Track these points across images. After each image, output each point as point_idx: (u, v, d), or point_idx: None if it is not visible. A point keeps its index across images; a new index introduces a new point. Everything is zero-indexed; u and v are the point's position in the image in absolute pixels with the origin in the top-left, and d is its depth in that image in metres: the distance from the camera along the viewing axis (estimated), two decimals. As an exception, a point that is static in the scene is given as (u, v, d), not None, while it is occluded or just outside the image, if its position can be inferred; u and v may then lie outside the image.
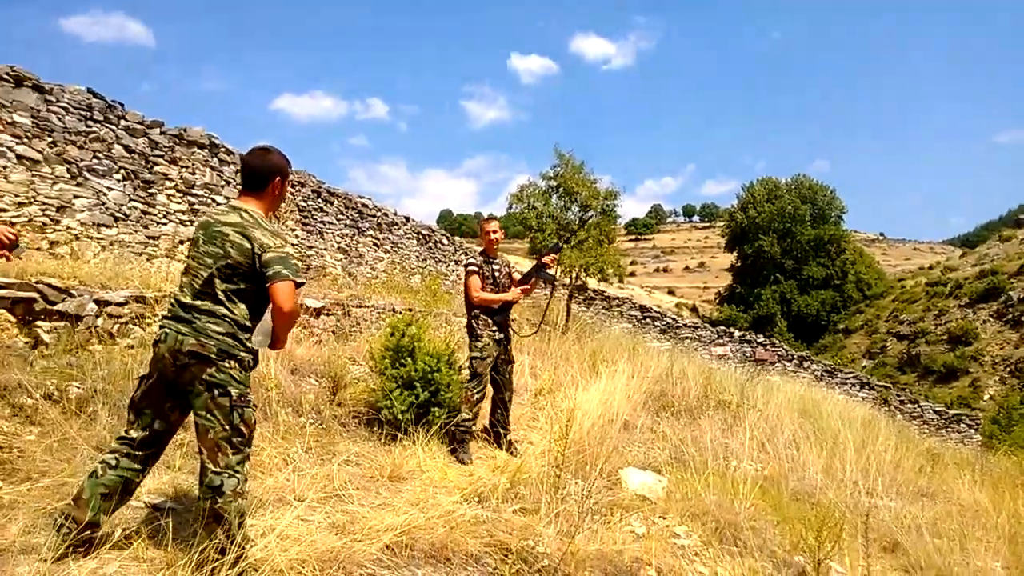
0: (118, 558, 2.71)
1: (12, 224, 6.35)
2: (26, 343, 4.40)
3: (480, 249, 5.79)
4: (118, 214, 7.34)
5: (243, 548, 2.73)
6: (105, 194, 7.22)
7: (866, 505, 5.91)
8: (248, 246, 2.71)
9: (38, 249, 6.45)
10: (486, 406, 5.72)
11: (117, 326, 4.96)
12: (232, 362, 2.70)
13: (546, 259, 5.66)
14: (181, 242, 8.11)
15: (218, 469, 2.67)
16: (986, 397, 36.24)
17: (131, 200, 7.53)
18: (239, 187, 8.94)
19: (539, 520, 3.97)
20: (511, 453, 5.44)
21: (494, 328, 5.45)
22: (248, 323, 2.77)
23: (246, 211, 2.82)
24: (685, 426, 7.44)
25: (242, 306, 2.75)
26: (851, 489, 6.47)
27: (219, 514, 2.65)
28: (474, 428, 5.49)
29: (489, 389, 5.58)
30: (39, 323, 4.49)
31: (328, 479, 4.10)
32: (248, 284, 2.74)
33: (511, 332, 5.77)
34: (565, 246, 6.35)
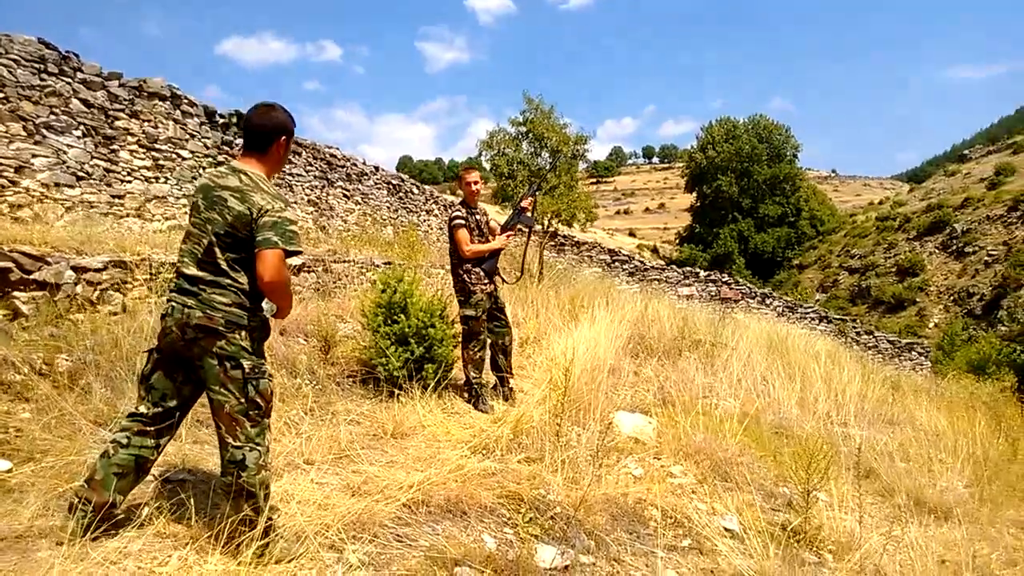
0: (141, 536, 2.67)
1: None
2: (4, 315, 4.24)
3: (461, 200, 5.71)
4: (80, 173, 7.00)
5: (270, 518, 2.70)
6: (65, 152, 6.86)
7: (840, 435, 6.16)
8: (247, 212, 2.59)
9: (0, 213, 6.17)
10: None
11: (97, 293, 4.81)
12: (242, 332, 2.62)
13: (524, 203, 5.67)
14: (148, 200, 7.82)
15: (239, 443, 2.61)
16: (931, 325, 37.69)
17: (93, 158, 7.18)
18: (204, 140, 8.75)
19: (545, 468, 4.04)
20: (510, 401, 5.51)
21: (486, 281, 5.43)
22: (254, 292, 2.67)
23: (246, 174, 2.69)
24: (666, 367, 7.58)
25: (246, 275, 2.64)
26: (825, 421, 6.71)
27: (244, 488, 2.61)
28: (486, 381, 5.54)
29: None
30: (16, 293, 4.33)
31: (333, 440, 4.09)
32: (250, 252, 2.62)
33: (500, 279, 5.75)
34: (539, 190, 6.31)
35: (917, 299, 40.96)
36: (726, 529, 3.87)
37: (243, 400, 2.61)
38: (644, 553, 3.42)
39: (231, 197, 2.62)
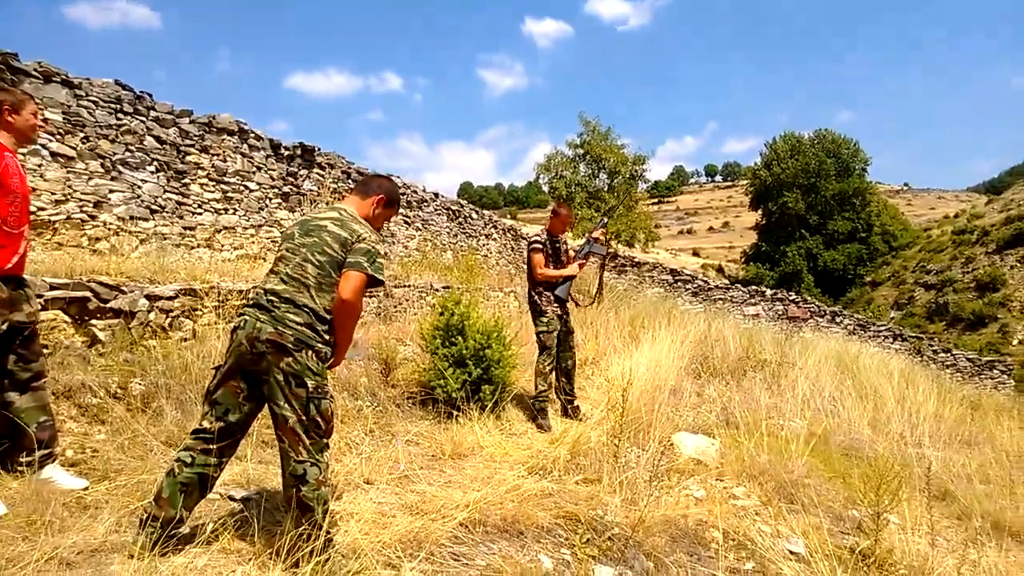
0: (207, 552, 2.75)
1: (51, 222, 6.42)
2: (83, 342, 4.45)
3: (543, 228, 6.15)
4: (153, 206, 7.36)
5: (329, 533, 2.76)
6: (139, 187, 7.23)
7: (914, 456, 5.91)
8: (345, 235, 2.79)
9: (79, 246, 6.52)
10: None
11: (169, 320, 5.01)
12: (309, 352, 2.69)
13: (596, 233, 6.11)
14: (217, 231, 8.15)
15: (301, 458, 2.68)
16: (1015, 342, 35.92)
17: (165, 191, 7.54)
18: (270, 172, 9.07)
19: (602, 489, 4.01)
20: (578, 418, 5.71)
21: (556, 303, 5.75)
22: (328, 315, 2.77)
23: (345, 210, 2.93)
24: (729, 388, 7.45)
25: (327, 296, 2.76)
26: (898, 441, 6.47)
27: (304, 503, 2.67)
28: (550, 396, 5.77)
29: None
30: (93, 321, 4.53)
31: (393, 460, 4.15)
32: (337, 275, 2.78)
33: (571, 304, 6.07)
34: (609, 219, 6.56)
35: (999, 315, 39.08)
36: (791, 552, 3.76)
37: (305, 418, 2.68)
38: (705, 576, 3.34)
39: (331, 224, 2.83)
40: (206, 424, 2.79)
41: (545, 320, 5.72)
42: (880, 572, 3.65)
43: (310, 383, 2.68)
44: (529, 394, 5.98)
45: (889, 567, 3.70)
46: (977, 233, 48.01)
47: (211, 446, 2.77)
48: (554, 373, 5.86)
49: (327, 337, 2.78)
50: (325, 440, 2.78)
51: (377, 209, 3.06)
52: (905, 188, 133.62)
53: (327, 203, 8.47)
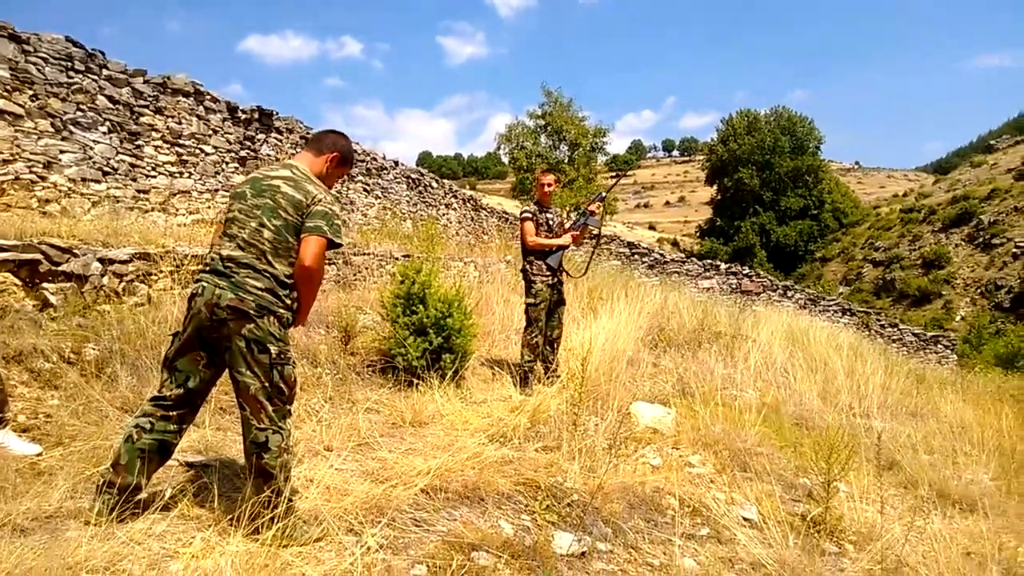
0: (165, 518, 2.72)
1: (-2, 184, 6.18)
2: (34, 306, 4.33)
3: (535, 199, 6.14)
4: (106, 168, 7.12)
5: (291, 501, 2.76)
6: (91, 148, 6.98)
7: (862, 427, 6.11)
8: (300, 197, 2.70)
9: (28, 208, 6.29)
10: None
11: (123, 285, 4.89)
12: (271, 318, 2.66)
13: (592, 207, 6.07)
14: (172, 195, 7.94)
15: (262, 426, 2.66)
16: (958, 318, 37.13)
17: (118, 153, 7.29)
18: (227, 136, 8.85)
19: (562, 457, 4.07)
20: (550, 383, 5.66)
21: (547, 273, 5.79)
22: (290, 280, 2.72)
23: (297, 168, 2.82)
24: (685, 359, 7.57)
25: (285, 261, 2.70)
26: (847, 412, 6.67)
27: (266, 470, 2.66)
28: (537, 365, 5.80)
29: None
30: (45, 285, 4.41)
31: (353, 428, 4.16)
32: (295, 238, 2.71)
33: (564, 275, 6.10)
34: (607, 195, 6.61)
35: (943, 292, 40.36)
36: (745, 519, 3.88)
37: (268, 384, 2.66)
38: (662, 541, 3.43)
39: (284, 184, 2.73)
40: (165, 392, 2.76)
41: (534, 291, 5.78)
42: (830, 538, 3.79)
43: (273, 349, 2.66)
44: (492, 361, 6.09)
45: (839, 534, 3.85)
46: (924, 212, 49.39)
47: (171, 412, 2.74)
48: (538, 340, 5.87)
49: (288, 302, 2.74)
50: (288, 407, 2.77)
51: (331, 167, 2.97)
52: (856, 166, 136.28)
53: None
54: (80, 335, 4.23)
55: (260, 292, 2.64)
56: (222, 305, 2.62)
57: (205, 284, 2.68)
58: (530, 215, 5.89)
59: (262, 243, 2.67)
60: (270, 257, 2.67)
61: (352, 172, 11.70)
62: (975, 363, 17.45)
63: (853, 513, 4.08)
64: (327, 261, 7.22)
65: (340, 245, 2.81)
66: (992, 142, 65.84)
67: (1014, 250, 38.81)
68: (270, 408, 2.68)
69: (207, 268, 2.74)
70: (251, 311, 2.62)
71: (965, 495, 4.92)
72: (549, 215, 6.01)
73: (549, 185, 6.02)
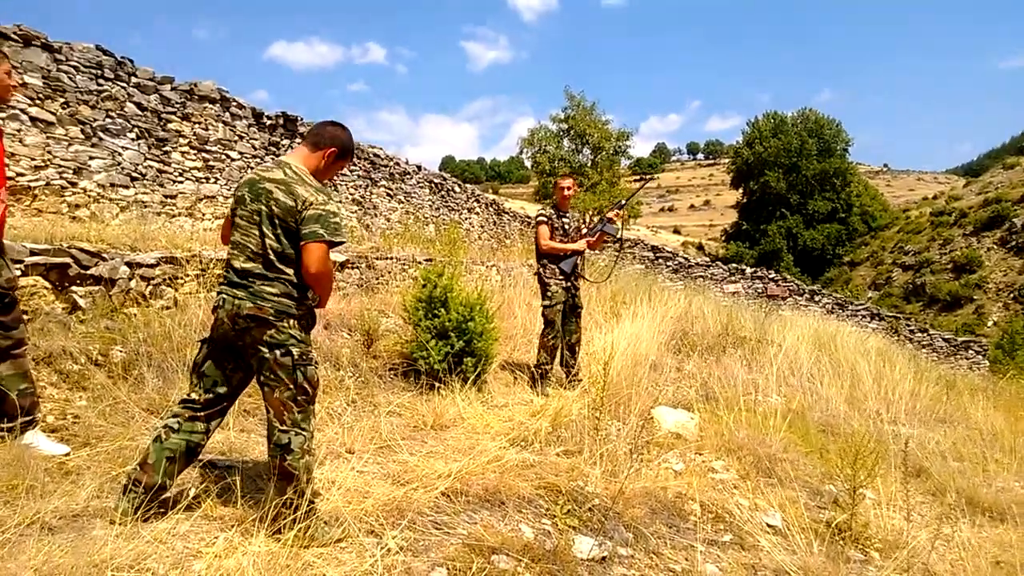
0: (189, 518, 2.77)
1: (31, 188, 6.32)
2: (63, 309, 4.41)
3: (553, 203, 6.16)
4: (134, 174, 7.26)
5: (312, 502, 2.78)
6: (120, 154, 7.12)
7: (889, 433, 6.01)
8: (291, 203, 2.67)
9: (58, 213, 6.43)
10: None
11: (150, 288, 4.97)
12: (291, 320, 2.70)
13: (611, 214, 6.09)
14: (198, 200, 8.06)
15: (285, 427, 2.70)
16: (990, 323, 36.50)
17: (146, 159, 7.44)
18: (252, 142, 8.97)
19: (583, 461, 4.05)
20: (571, 387, 5.72)
21: (560, 276, 5.81)
22: (300, 281, 2.74)
23: (291, 167, 2.77)
24: (709, 364, 7.51)
25: (293, 266, 2.72)
26: (874, 418, 6.56)
27: (288, 471, 2.69)
28: (551, 369, 5.86)
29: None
30: (74, 288, 4.49)
31: (375, 431, 4.18)
32: (296, 243, 2.70)
33: (580, 279, 6.10)
34: (627, 204, 6.66)
35: (975, 296, 39.71)
36: (768, 525, 3.82)
37: (292, 386, 2.70)
38: (683, 547, 3.40)
39: (276, 189, 2.70)
40: (194, 395, 2.82)
41: (549, 294, 5.81)
42: (856, 546, 3.72)
43: (295, 351, 2.70)
44: (513, 365, 6.12)
45: (864, 541, 3.78)
46: (955, 215, 48.57)
47: (199, 414, 2.80)
48: (555, 343, 5.89)
49: (307, 303, 2.78)
50: (311, 407, 2.80)
51: (328, 162, 2.89)
52: (885, 169, 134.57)
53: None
54: (108, 337, 4.30)
55: (277, 298, 2.68)
56: (242, 315, 2.67)
57: (225, 296, 2.73)
58: (545, 219, 5.92)
59: (268, 252, 2.69)
60: (279, 264, 2.69)
61: (370, 174, 11.80)
62: (1008, 369, 17.07)
63: (879, 520, 4.01)
64: (350, 264, 7.28)
65: (342, 243, 2.80)
66: (1025, 144, 64.66)
67: (1048, 254, 38.05)
68: (295, 409, 2.72)
69: (225, 280, 2.79)
70: (271, 317, 2.66)
71: (995, 503, 4.80)
72: (566, 219, 6.02)
73: (568, 188, 6.03)
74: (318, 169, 2.87)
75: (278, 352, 2.68)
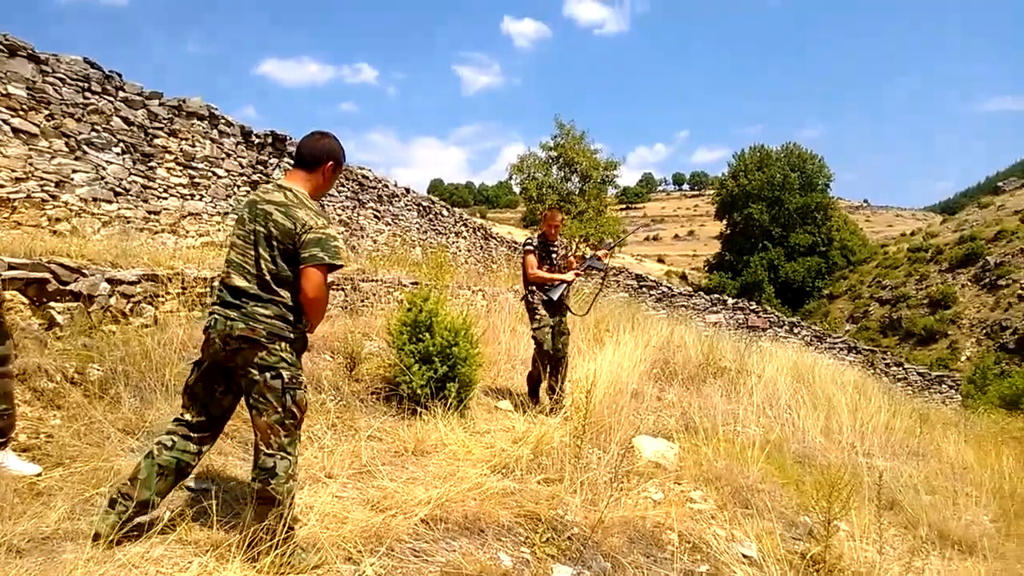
0: (163, 542, 2.72)
1: (10, 201, 6.25)
2: (40, 325, 4.35)
3: (540, 234, 6.27)
4: (118, 189, 7.20)
5: (291, 528, 2.74)
6: (104, 168, 7.07)
7: (864, 466, 6.06)
8: (290, 226, 2.67)
9: (38, 227, 6.36)
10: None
11: (130, 305, 4.92)
12: (283, 343, 2.69)
13: (600, 252, 6.34)
14: (182, 217, 8.01)
15: (271, 451, 2.68)
16: (963, 358, 36.99)
17: (131, 174, 7.38)
18: (240, 160, 8.95)
19: (564, 490, 4.03)
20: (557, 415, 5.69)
21: (545, 306, 5.96)
22: (296, 304, 2.74)
23: (291, 191, 2.78)
24: (689, 393, 7.56)
25: (288, 288, 2.72)
26: (849, 450, 6.62)
27: (271, 495, 2.66)
28: (543, 386, 6.05)
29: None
30: (52, 304, 4.43)
31: (355, 455, 4.14)
32: (293, 266, 2.70)
33: (566, 309, 6.21)
34: (616, 247, 6.86)
35: (949, 332, 40.27)
36: (744, 556, 3.83)
37: (280, 409, 2.69)
38: (660, 577, 3.39)
39: (276, 211, 2.71)
40: (188, 416, 2.82)
41: (538, 317, 5.97)
42: (829, 577, 3.74)
43: (286, 374, 2.69)
44: (497, 391, 6.28)
45: (838, 573, 3.79)
46: (931, 251, 49.49)
47: (192, 435, 2.80)
48: (548, 367, 6.01)
49: (299, 326, 2.78)
50: (297, 432, 2.80)
51: (328, 174, 2.91)
52: (864, 204, 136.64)
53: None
54: (85, 355, 4.25)
55: (270, 320, 2.67)
56: (234, 335, 2.66)
57: (217, 316, 2.72)
58: (532, 248, 6.07)
59: (264, 273, 2.68)
60: (275, 286, 2.69)
61: (358, 195, 11.81)
62: (979, 404, 17.29)
63: (853, 552, 4.03)
64: (335, 286, 7.26)
65: (341, 266, 2.81)
66: (1000, 184, 66.02)
67: (1020, 292, 38.79)
68: (282, 433, 2.70)
69: (218, 300, 2.78)
70: (262, 339, 2.65)
71: (965, 536, 4.88)
72: (553, 249, 6.16)
73: (555, 225, 6.22)
74: (320, 185, 2.90)
75: (268, 375, 2.66)
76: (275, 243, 2.68)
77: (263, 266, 2.68)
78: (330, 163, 2.89)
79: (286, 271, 2.70)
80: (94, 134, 6.98)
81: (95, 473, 3.26)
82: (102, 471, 3.27)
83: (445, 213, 15.28)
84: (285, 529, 2.67)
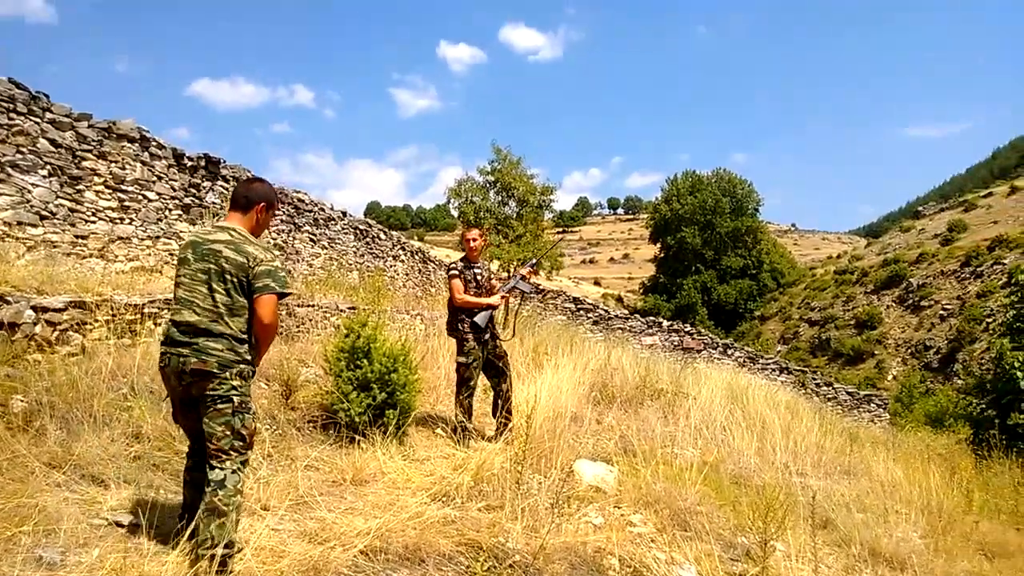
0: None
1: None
2: (-41, 355, 4.16)
3: (462, 255, 6.12)
4: (44, 212, 6.92)
5: (227, 555, 2.81)
6: (30, 191, 6.79)
7: (798, 485, 6.23)
8: (242, 260, 2.91)
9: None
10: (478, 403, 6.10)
11: (56, 334, 4.75)
12: (231, 372, 2.90)
13: (524, 271, 6.26)
14: (111, 241, 7.75)
15: (223, 466, 2.88)
16: (890, 377, 38.36)
17: (58, 197, 7.11)
18: (172, 183, 8.73)
19: (505, 517, 4.03)
20: (498, 435, 5.73)
21: (472, 331, 5.76)
22: (245, 336, 2.95)
23: (234, 230, 3.03)
24: (628, 416, 7.63)
25: (239, 320, 2.93)
26: (783, 470, 6.78)
27: (219, 507, 2.82)
28: (470, 424, 5.77)
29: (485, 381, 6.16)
30: (-29, 333, 4.26)
31: (292, 486, 4.07)
32: (244, 298, 2.93)
33: (495, 333, 6.06)
34: (539, 265, 6.78)
35: (875, 351, 41.80)
36: (684, 578, 3.89)
37: (230, 432, 2.90)
38: (602, 602, 3.42)
39: (225, 248, 2.94)
40: (187, 445, 3.20)
41: (466, 350, 5.74)
42: (766, 598, 3.83)
43: (236, 399, 2.92)
44: (436, 417, 6.12)
45: (775, 593, 3.89)
46: (857, 274, 51.48)
47: (196, 458, 3.11)
48: (470, 401, 5.85)
49: (247, 356, 2.97)
50: (248, 453, 3.00)
51: (261, 216, 3.16)
52: (793, 228, 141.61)
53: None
54: (8, 386, 4.08)
55: (220, 353, 2.88)
56: (187, 370, 2.87)
57: (170, 355, 2.92)
58: (457, 272, 5.88)
59: (216, 307, 2.90)
60: (226, 319, 2.91)
61: (294, 219, 11.64)
62: (906, 422, 17.95)
63: (789, 572, 4.13)
64: (282, 310, 7.14)
65: (290, 294, 3.15)
66: (920, 208, 69.26)
67: (941, 312, 40.52)
68: (233, 453, 2.91)
69: (167, 339, 2.95)
70: (214, 370, 2.86)
71: (896, 553, 5.03)
72: (477, 270, 5.98)
73: (474, 240, 6.01)
74: (255, 225, 3.15)
75: (218, 401, 2.87)
76: (227, 276, 2.91)
77: (218, 299, 2.90)
78: (262, 204, 3.16)
79: (240, 301, 2.93)
80: (19, 156, 6.71)
81: (18, 510, 3.12)
82: (26, 508, 3.13)
83: (383, 236, 15.17)
84: (223, 548, 2.78)
